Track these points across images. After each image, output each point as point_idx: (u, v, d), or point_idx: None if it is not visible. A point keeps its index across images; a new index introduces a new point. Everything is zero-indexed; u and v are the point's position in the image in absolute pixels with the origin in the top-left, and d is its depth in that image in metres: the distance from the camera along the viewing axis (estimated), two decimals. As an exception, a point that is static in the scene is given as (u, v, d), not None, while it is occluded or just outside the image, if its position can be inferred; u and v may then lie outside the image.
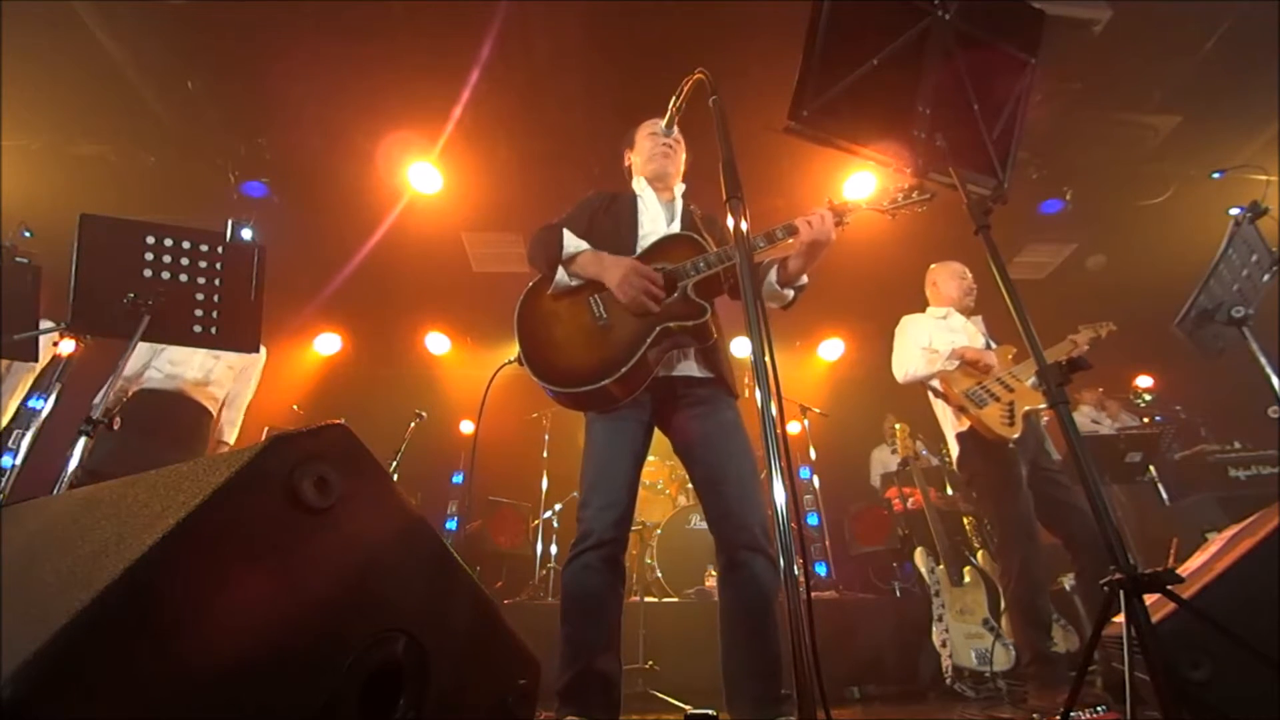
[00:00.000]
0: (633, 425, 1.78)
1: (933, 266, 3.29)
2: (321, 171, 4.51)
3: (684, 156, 2.16)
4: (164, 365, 3.14)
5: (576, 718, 1.50)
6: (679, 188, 2.14)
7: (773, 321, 1.15)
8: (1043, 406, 2.75)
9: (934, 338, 2.99)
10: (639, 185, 2.11)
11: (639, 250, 1.89)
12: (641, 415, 1.80)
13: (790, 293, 1.90)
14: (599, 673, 1.56)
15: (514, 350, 1.80)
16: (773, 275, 1.88)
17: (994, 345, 3.03)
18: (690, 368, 1.84)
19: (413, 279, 5.73)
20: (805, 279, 1.90)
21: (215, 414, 3.31)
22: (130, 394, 3.10)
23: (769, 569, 1.60)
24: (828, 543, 4.81)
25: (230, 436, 3.36)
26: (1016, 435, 2.63)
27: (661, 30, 3.62)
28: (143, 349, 3.17)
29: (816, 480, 4.92)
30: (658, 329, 1.70)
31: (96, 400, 3.02)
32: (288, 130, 4.29)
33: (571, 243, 1.82)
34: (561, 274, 1.80)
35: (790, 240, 1.80)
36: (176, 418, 3.11)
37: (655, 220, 2.01)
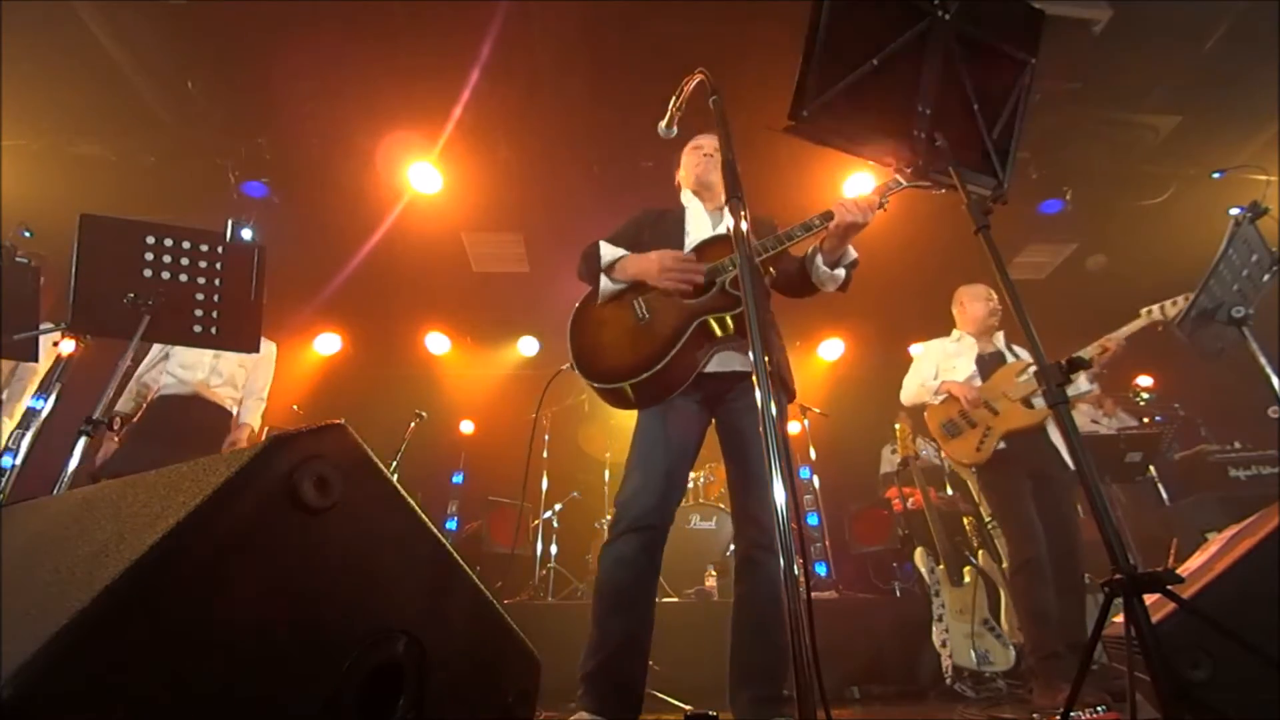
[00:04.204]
0: (678, 415, 1.81)
1: (960, 289, 3.38)
2: (321, 171, 4.50)
3: None
4: (175, 369, 3.18)
5: (590, 714, 1.50)
6: None
7: (777, 320, 1.15)
8: (1027, 425, 2.85)
9: (940, 365, 3.25)
10: (686, 197, 2.18)
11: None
12: (690, 408, 1.83)
13: (842, 272, 1.91)
14: (621, 668, 1.58)
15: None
16: (819, 260, 1.88)
17: (1016, 357, 3.10)
18: (741, 363, 1.86)
19: (413, 279, 5.73)
20: (854, 254, 1.91)
21: (235, 411, 3.33)
22: (149, 400, 3.14)
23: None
24: (828, 543, 4.81)
25: (252, 419, 3.37)
26: (984, 460, 2.86)
27: (662, 30, 3.61)
28: (154, 352, 3.20)
29: (816, 480, 4.92)
30: (695, 322, 1.75)
31: (120, 406, 3.06)
32: (288, 130, 4.28)
33: (609, 252, 1.90)
34: (606, 281, 1.87)
35: (825, 226, 1.81)
36: (194, 421, 3.15)
37: (702, 229, 2.04)
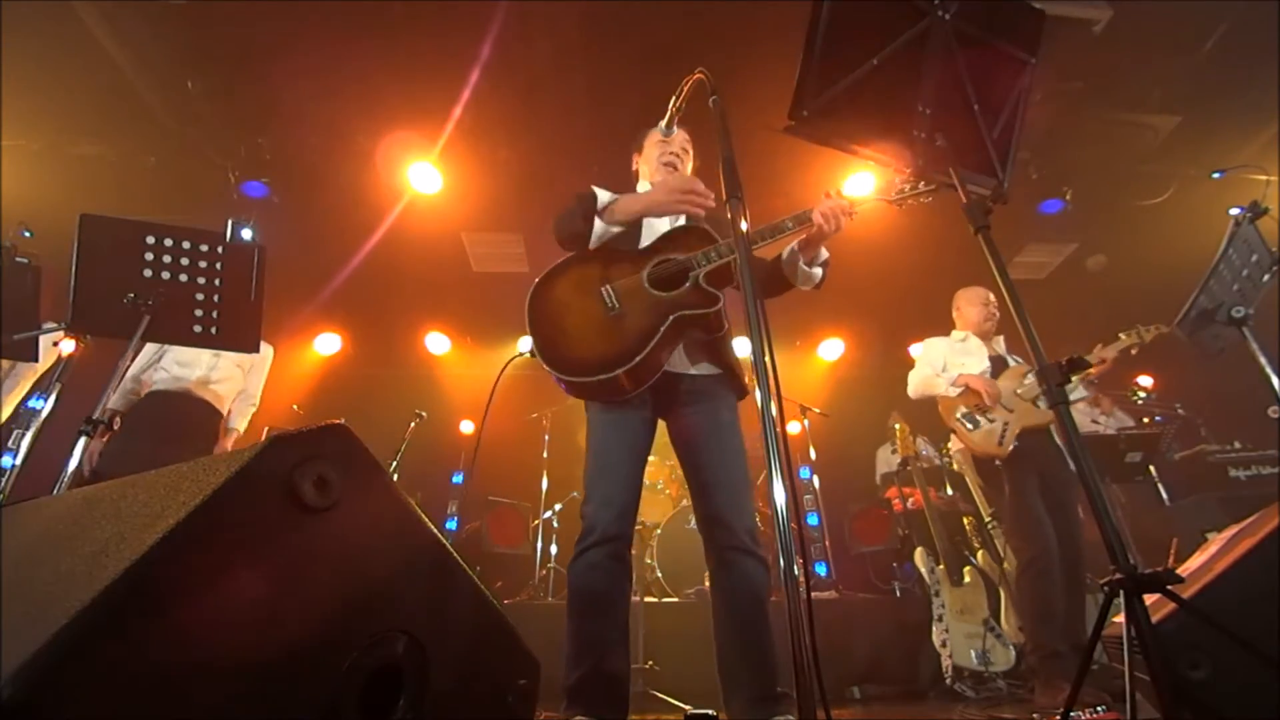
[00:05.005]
0: (634, 420, 1.78)
1: (959, 292, 3.42)
2: (321, 171, 4.50)
3: (691, 164, 2.16)
4: (170, 366, 3.15)
5: (584, 717, 1.50)
6: None
7: (773, 321, 1.15)
8: (1041, 423, 2.90)
9: (948, 360, 3.24)
10: (643, 188, 2.13)
11: (643, 246, 1.90)
12: (643, 410, 1.80)
13: (819, 271, 1.91)
14: (606, 672, 1.56)
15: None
16: (800, 260, 1.88)
17: (1015, 362, 3.14)
18: (695, 363, 1.84)
19: (413, 279, 5.73)
20: (827, 254, 1.91)
21: (225, 411, 3.32)
22: (141, 396, 3.12)
23: (758, 568, 1.61)
24: (827, 543, 4.81)
25: (240, 424, 3.36)
26: (1006, 453, 2.87)
27: (662, 30, 3.61)
28: (149, 349, 3.19)
29: (816, 480, 4.92)
30: (671, 318, 1.71)
31: (111, 404, 3.04)
32: (288, 130, 4.28)
33: (604, 195, 1.85)
34: (599, 224, 1.82)
35: (800, 230, 1.81)
36: (183, 418, 3.12)
37: (660, 219, 2.01)
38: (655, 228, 1.98)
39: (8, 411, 3.12)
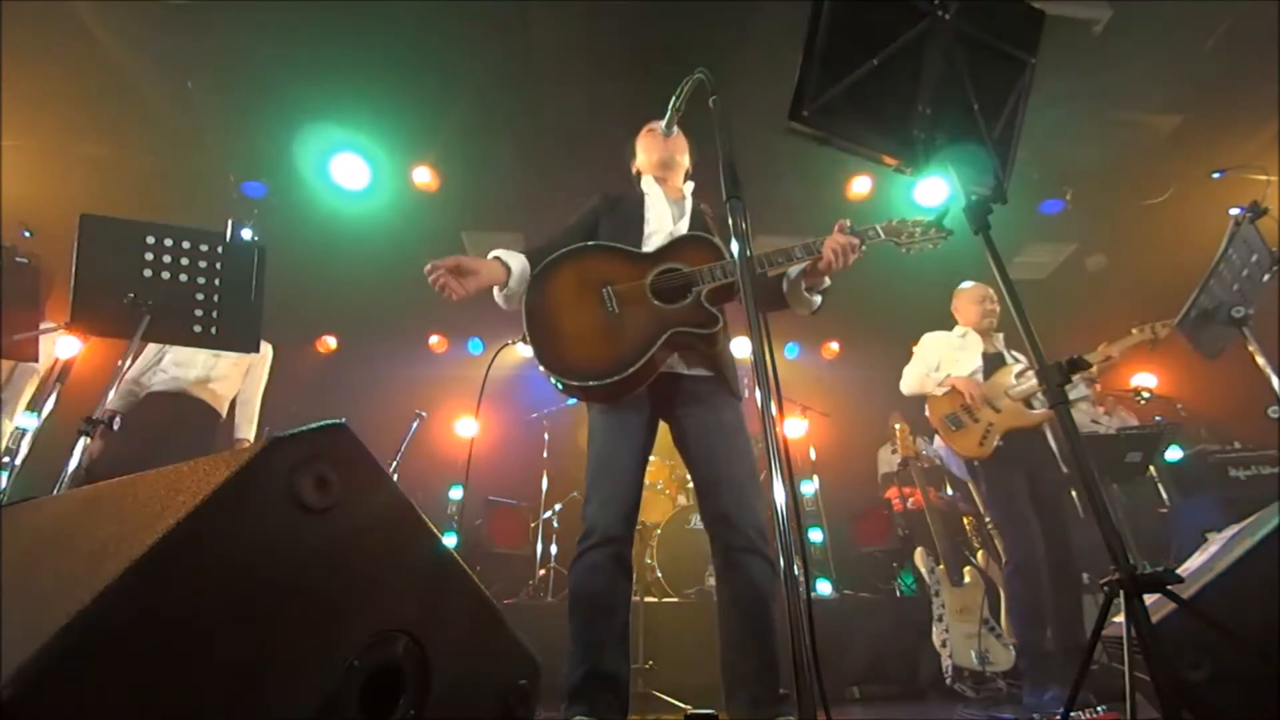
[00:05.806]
0: (634, 421, 1.77)
1: (957, 289, 3.42)
2: (322, 171, 4.51)
3: (686, 150, 2.15)
4: (169, 367, 3.16)
5: (584, 717, 1.50)
6: (688, 186, 2.13)
7: (773, 321, 1.15)
8: (1027, 425, 2.90)
9: (944, 357, 3.24)
10: (646, 184, 2.12)
11: (646, 249, 1.89)
12: (643, 411, 1.79)
13: (818, 299, 1.92)
14: (606, 672, 1.56)
15: (513, 351, 1.80)
16: (803, 285, 1.88)
17: (1014, 359, 3.12)
18: (691, 366, 1.84)
19: (413, 279, 5.71)
20: (828, 281, 1.91)
21: (223, 412, 3.31)
22: (141, 398, 3.13)
23: (765, 569, 1.61)
24: (828, 545, 4.80)
25: (249, 433, 3.36)
26: (986, 454, 2.87)
27: (662, 30, 3.61)
28: (149, 351, 3.19)
29: (816, 480, 4.92)
30: (668, 333, 1.69)
31: (110, 404, 3.04)
32: (288, 130, 4.29)
33: (506, 264, 1.94)
34: (497, 295, 1.96)
35: (807, 259, 1.79)
36: (181, 418, 3.12)
37: (662, 218, 2.00)
38: (654, 225, 1.97)
39: (17, 416, 3.13)
